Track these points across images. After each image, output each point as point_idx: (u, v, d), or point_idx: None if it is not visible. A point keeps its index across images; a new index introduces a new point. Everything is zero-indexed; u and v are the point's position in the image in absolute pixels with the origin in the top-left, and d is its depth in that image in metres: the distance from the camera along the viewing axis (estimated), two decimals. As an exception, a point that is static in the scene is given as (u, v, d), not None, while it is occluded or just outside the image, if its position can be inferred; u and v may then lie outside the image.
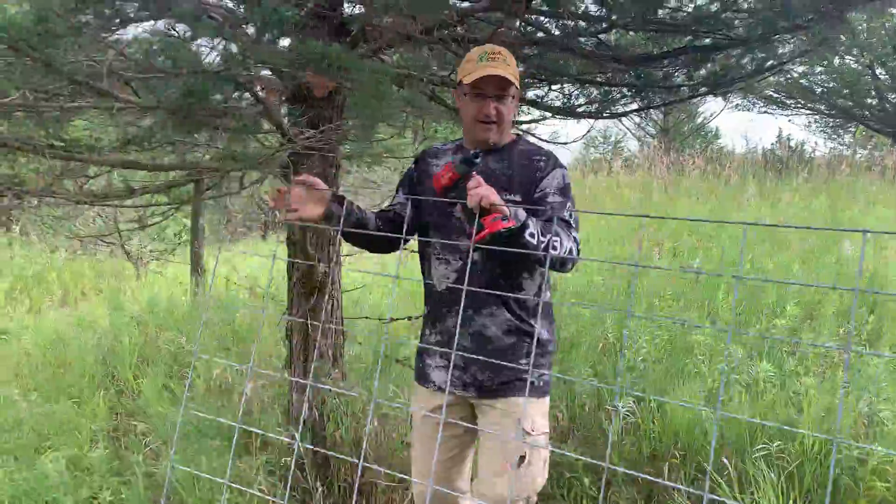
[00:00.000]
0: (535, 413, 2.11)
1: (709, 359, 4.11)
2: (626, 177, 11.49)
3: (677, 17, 3.03)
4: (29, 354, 5.41)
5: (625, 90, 3.55)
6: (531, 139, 2.30)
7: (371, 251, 2.21)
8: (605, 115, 3.74)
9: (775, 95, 16.61)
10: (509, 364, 2.00)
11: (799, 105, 17.62)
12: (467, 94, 2.07)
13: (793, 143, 16.18)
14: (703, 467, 3.11)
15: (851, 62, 15.97)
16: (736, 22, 3.03)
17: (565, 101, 3.69)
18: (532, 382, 2.10)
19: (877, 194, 9.24)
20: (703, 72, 3.35)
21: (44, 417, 3.97)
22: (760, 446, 3.02)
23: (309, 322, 3.05)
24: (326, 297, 3.02)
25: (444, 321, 2.13)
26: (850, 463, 2.90)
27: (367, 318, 4.42)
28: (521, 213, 1.82)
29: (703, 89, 3.48)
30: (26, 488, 3.08)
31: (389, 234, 2.16)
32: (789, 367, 3.96)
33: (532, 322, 2.11)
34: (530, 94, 3.75)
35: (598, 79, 3.50)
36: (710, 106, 31.81)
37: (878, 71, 15.89)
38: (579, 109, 3.73)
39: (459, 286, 2.06)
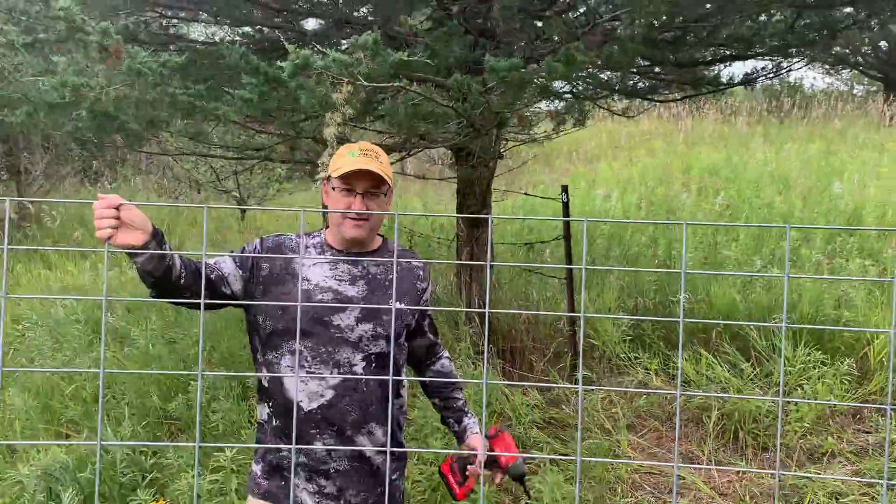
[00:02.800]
0: None
1: (737, 267, 5.79)
2: (647, 124, 13.05)
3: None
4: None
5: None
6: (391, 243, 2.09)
7: (166, 298, 1.79)
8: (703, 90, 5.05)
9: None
10: (382, 484, 1.87)
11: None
12: (336, 188, 1.91)
13: (792, 80, 17.68)
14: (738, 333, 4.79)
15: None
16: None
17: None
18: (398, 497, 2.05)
19: (864, 140, 10.85)
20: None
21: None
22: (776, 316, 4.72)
23: None
24: None
25: (310, 442, 1.89)
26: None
27: None
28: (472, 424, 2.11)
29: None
30: None
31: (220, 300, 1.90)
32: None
33: (400, 432, 2.07)
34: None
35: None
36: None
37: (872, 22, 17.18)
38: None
39: (336, 405, 1.87)
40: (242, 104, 2.83)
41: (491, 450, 2.02)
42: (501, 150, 4.41)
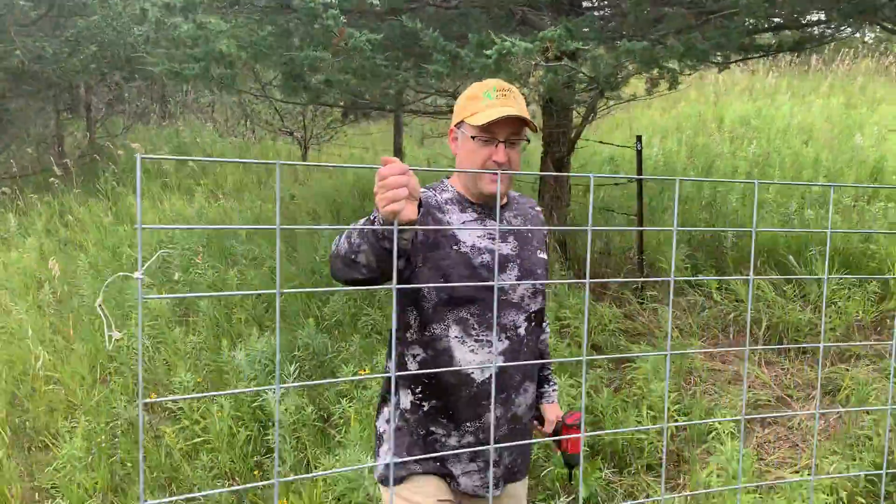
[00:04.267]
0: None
1: (775, 208, 6.70)
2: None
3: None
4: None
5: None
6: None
7: (370, 281, 1.63)
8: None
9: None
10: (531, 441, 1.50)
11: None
12: (475, 136, 1.74)
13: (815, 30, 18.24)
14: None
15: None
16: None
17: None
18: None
19: (884, 95, 11.64)
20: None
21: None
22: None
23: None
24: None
25: (482, 416, 1.80)
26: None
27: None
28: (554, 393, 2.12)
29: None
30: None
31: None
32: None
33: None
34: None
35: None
36: None
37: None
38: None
39: (506, 371, 1.80)
40: (433, 74, 3.72)
41: (562, 427, 2.01)
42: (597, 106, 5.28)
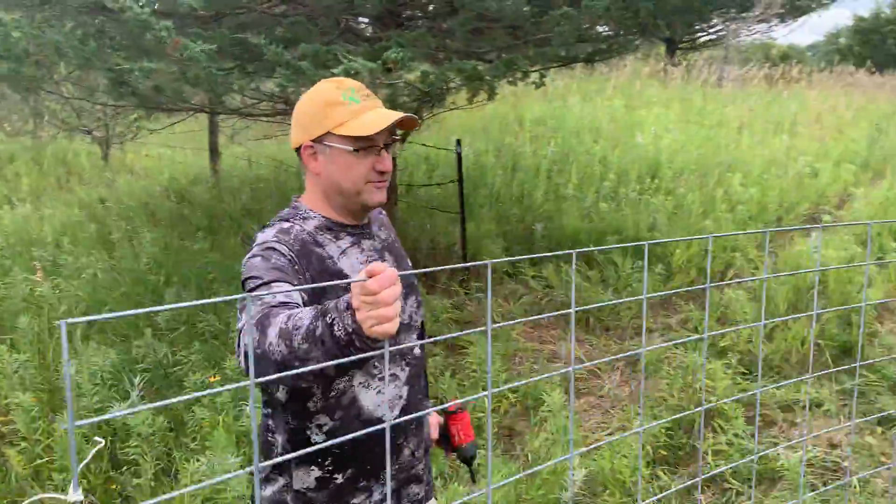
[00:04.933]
0: None
1: (576, 201, 7.48)
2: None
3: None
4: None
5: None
6: None
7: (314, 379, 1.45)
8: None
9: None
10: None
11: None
12: (355, 148, 1.53)
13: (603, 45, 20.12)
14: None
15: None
16: None
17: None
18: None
19: (657, 98, 13.19)
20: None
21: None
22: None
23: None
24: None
25: (400, 455, 1.66)
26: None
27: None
28: None
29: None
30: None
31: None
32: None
33: None
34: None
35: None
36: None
37: None
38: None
39: (412, 399, 1.67)
40: (275, 85, 3.84)
41: (448, 425, 1.90)
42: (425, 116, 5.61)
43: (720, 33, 17.49)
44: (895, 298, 5.09)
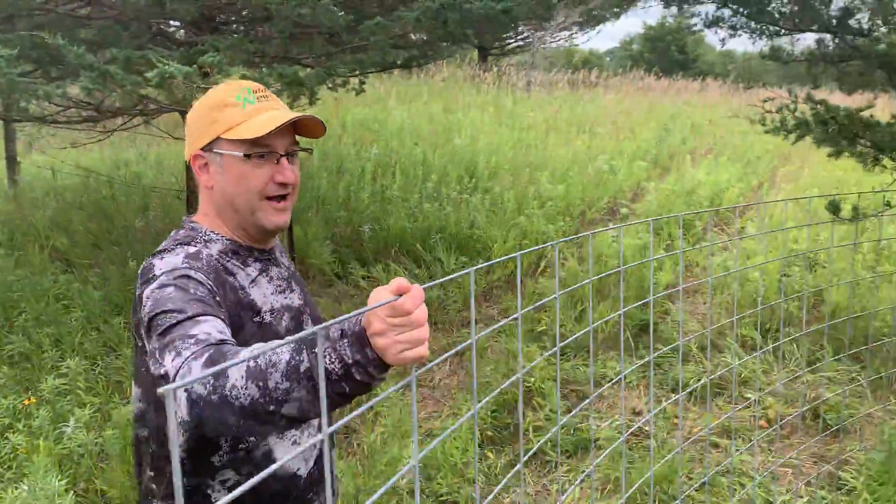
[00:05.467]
0: None
1: (401, 202, 7.71)
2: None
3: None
4: None
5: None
6: None
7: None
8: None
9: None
10: None
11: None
12: (250, 154, 1.34)
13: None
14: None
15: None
16: None
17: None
18: None
19: (473, 101, 13.82)
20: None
21: None
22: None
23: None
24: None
25: None
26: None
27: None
28: None
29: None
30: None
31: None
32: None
33: None
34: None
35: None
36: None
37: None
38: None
39: (323, 450, 1.45)
40: (81, 89, 3.71)
41: None
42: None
43: (527, 40, 18.62)
44: (677, 288, 5.80)
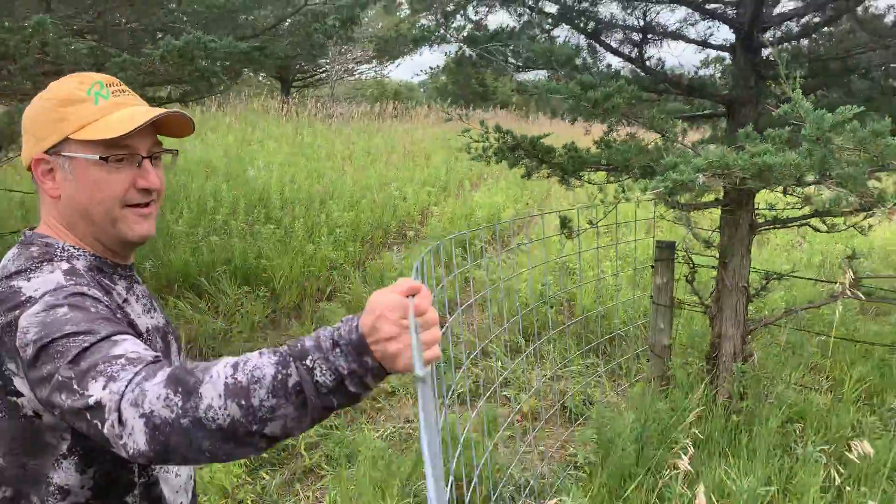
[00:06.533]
0: None
1: (186, 237, 7.60)
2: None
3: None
4: None
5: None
6: None
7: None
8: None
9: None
10: None
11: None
12: (108, 158, 1.18)
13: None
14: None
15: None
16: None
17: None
18: None
19: (270, 132, 13.86)
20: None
21: None
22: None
23: None
24: None
25: None
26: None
27: None
28: None
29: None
30: None
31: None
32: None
33: None
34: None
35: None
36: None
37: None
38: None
39: (192, 476, 1.39)
40: None
41: None
42: None
43: (326, 74, 18.97)
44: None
